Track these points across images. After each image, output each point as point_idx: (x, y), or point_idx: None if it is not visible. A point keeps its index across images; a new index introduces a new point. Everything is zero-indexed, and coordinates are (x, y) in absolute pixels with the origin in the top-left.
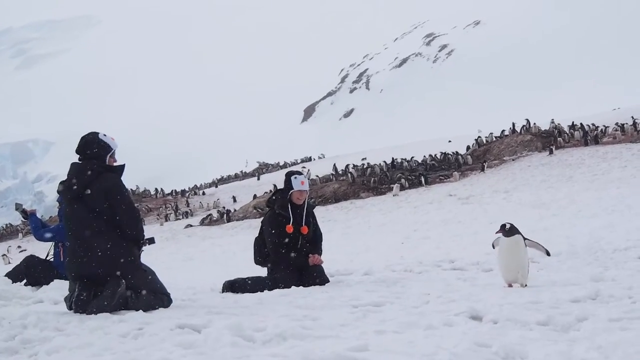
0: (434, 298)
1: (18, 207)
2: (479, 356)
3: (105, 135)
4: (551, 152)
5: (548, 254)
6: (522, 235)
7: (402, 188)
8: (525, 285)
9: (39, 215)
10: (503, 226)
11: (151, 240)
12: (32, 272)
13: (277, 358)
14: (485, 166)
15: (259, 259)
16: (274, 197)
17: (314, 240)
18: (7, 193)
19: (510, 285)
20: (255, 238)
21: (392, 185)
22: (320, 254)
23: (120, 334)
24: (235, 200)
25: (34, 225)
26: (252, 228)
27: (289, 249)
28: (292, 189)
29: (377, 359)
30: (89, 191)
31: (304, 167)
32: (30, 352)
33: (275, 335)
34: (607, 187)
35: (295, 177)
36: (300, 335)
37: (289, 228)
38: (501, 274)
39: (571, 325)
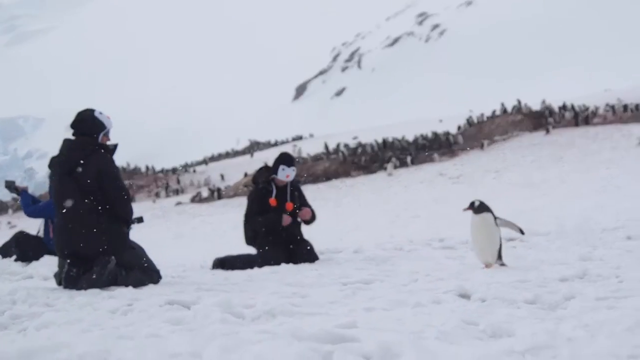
0: (423, 276)
1: (9, 184)
2: (467, 334)
3: (101, 113)
4: (547, 131)
5: (522, 232)
6: (493, 214)
7: (394, 167)
8: (503, 265)
9: (29, 192)
10: (472, 203)
11: (140, 220)
12: (22, 248)
13: (266, 335)
14: (485, 144)
15: (250, 239)
16: (258, 174)
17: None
18: None
19: (487, 266)
20: (245, 215)
21: (385, 165)
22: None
23: (109, 310)
24: (223, 179)
25: (25, 202)
26: (242, 206)
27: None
28: (277, 175)
29: (365, 336)
30: (80, 169)
31: (295, 146)
32: (20, 327)
33: (265, 312)
34: (597, 167)
35: (283, 169)
36: (289, 312)
37: (272, 201)
38: (475, 254)
39: (558, 303)
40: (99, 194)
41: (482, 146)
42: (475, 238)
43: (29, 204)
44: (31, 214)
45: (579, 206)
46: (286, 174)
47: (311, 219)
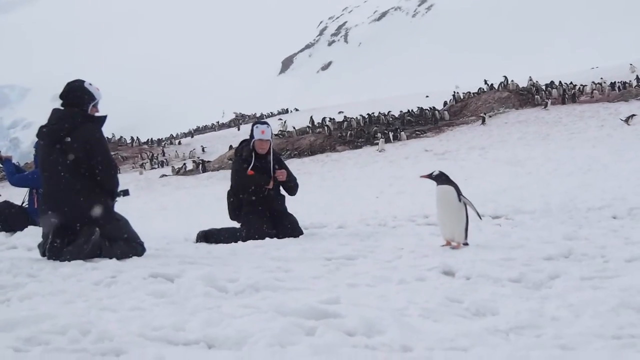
0: (407, 253)
1: None
2: (450, 311)
3: (90, 84)
4: (546, 105)
5: (479, 217)
6: (456, 188)
7: (378, 142)
8: (466, 244)
9: (14, 162)
10: (431, 173)
11: (125, 192)
12: (6, 218)
13: (250, 309)
14: (486, 118)
15: (234, 214)
16: (240, 147)
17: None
18: None
19: (448, 243)
20: (228, 192)
21: (376, 141)
22: (292, 186)
23: (93, 281)
24: (203, 151)
25: (9, 171)
26: (227, 179)
27: (254, 195)
28: (254, 138)
29: (348, 312)
30: (68, 139)
31: (280, 119)
32: (3, 297)
33: (248, 286)
34: (584, 146)
35: (257, 127)
36: (273, 286)
37: (251, 172)
38: (440, 229)
39: (543, 282)
40: (86, 165)
41: (483, 120)
42: (437, 212)
43: (13, 172)
44: (16, 182)
45: (564, 184)
46: (260, 130)
47: (292, 187)
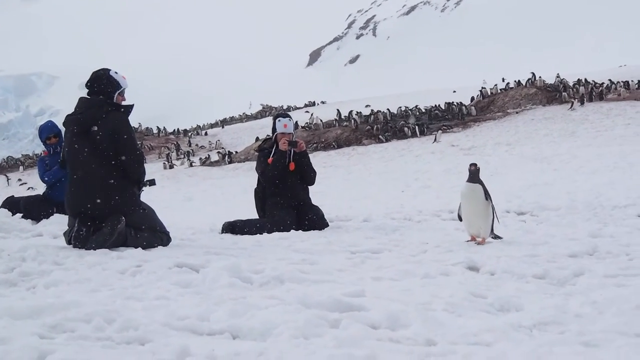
0: (432, 247)
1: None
2: (474, 306)
3: (116, 72)
4: (582, 102)
5: (498, 220)
6: (483, 187)
7: (405, 136)
8: (497, 237)
9: (38, 151)
10: (475, 164)
11: (152, 182)
12: (28, 208)
13: (274, 300)
14: (585, 100)
15: (261, 210)
16: (264, 142)
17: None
18: (10, 126)
19: (473, 239)
20: (255, 189)
21: (434, 134)
22: (310, 179)
23: (118, 270)
24: (217, 143)
25: (42, 170)
26: (253, 170)
27: (278, 184)
28: (277, 131)
29: (373, 305)
30: (95, 127)
31: (307, 112)
32: (29, 284)
33: (273, 278)
34: (610, 143)
35: (279, 120)
36: (297, 279)
37: (270, 160)
38: (464, 224)
39: (567, 279)
40: (112, 154)
41: (572, 105)
42: (463, 208)
43: (44, 171)
44: (49, 180)
45: (590, 182)
46: (283, 124)
47: (308, 172)
